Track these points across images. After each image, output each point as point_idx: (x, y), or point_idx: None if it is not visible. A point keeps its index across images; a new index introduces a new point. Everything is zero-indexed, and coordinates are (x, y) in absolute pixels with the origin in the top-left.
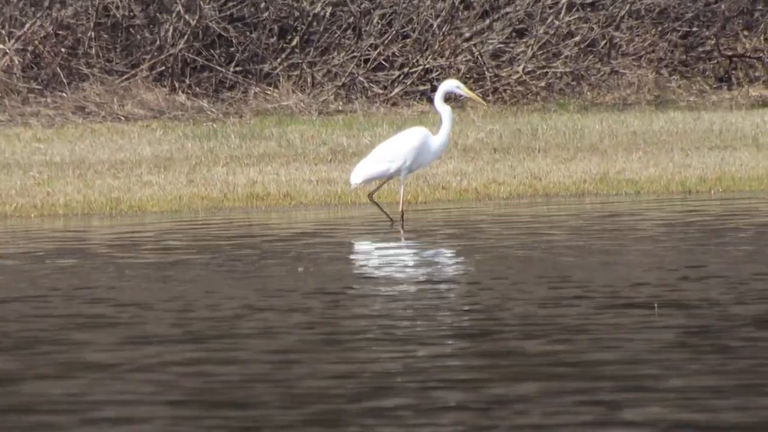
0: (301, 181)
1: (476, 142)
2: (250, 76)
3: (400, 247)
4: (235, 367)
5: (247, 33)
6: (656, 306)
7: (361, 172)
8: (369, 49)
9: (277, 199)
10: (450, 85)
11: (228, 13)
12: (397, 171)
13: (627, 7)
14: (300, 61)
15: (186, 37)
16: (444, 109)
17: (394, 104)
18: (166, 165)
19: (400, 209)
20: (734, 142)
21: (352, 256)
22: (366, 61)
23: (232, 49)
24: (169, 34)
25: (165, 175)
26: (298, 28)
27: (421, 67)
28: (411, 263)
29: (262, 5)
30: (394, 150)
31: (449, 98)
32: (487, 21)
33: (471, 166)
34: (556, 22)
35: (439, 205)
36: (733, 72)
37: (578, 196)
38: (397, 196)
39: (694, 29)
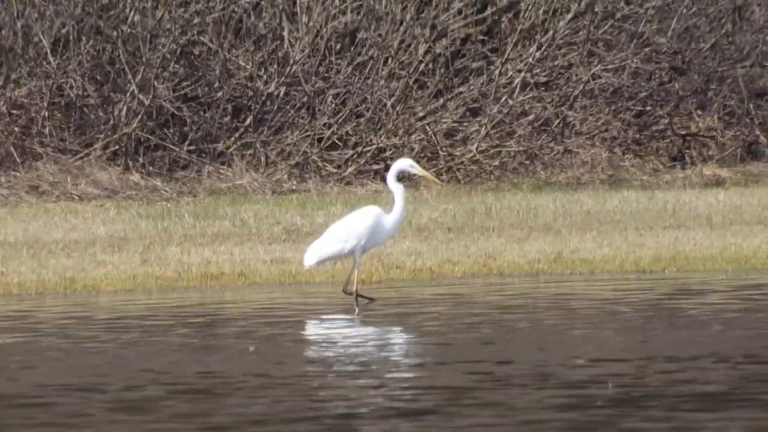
0: (255, 260)
1: (430, 221)
2: (203, 155)
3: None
4: None
5: (201, 112)
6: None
7: (315, 252)
8: (323, 128)
9: (232, 279)
10: (403, 164)
11: (182, 92)
12: (351, 250)
13: (581, 87)
14: (253, 140)
15: (140, 116)
16: (397, 188)
17: (347, 183)
18: (120, 244)
19: (354, 289)
20: (688, 221)
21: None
22: (320, 140)
23: (185, 128)
24: (123, 113)
25: (119, 254)
26: (252, 108)
27: (374, 146)
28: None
29: (216, 85)
30: (347, 229)
31: (403, 177)
32: (441, 100)
33: (425, 245)
34: (510, 102)
35: (394, 285)
36: (687, 151)
37: (533, 276)
38: (351, 276)
39: (648, 108)
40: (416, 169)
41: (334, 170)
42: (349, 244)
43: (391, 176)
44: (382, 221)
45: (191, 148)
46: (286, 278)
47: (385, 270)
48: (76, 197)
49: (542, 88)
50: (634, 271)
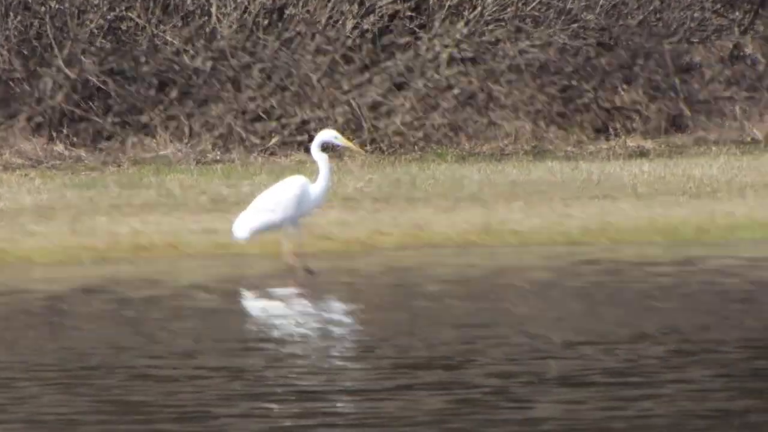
0: (184, 231)
1: (356, 191)
2: (128, 127)
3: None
4: None
5: (126, 86)
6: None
7: (246, 224)
8: (248, 101)
9: (163, 250)
10: (327, 135)
11: (108, 67)
12: (281, 221)
13: (507, 62)
14: (178, 112)
15: (65, 89)
16: (321, 158)
17: (272, 154)
18: (49, 214)
19: (289, 261)
20: (613, 192)
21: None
22: (244, 112)
23: (110, 100)
24: (48, 87)
25: (48, 224)
26: (178, 82)
27: (298, 118)
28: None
29: (143, 59)
30: (274, 199)
31: (327, 148)
32: (367, 75)
33: (353, 215)
34: (436, 76)
35: (324, 257)
36: (611, 123)
37: (463, 247)
38: (281, 247)
39: (573, 83)
40: (340, 140)
41: (258, 141)
42: (277, 214)
43: (314, 147)
44: (308, 190)
45: (116, 119)
46: (217, 249)
47: (314, 240)
48: (0, 167)
49: (469, 63)
50: (564, 243)
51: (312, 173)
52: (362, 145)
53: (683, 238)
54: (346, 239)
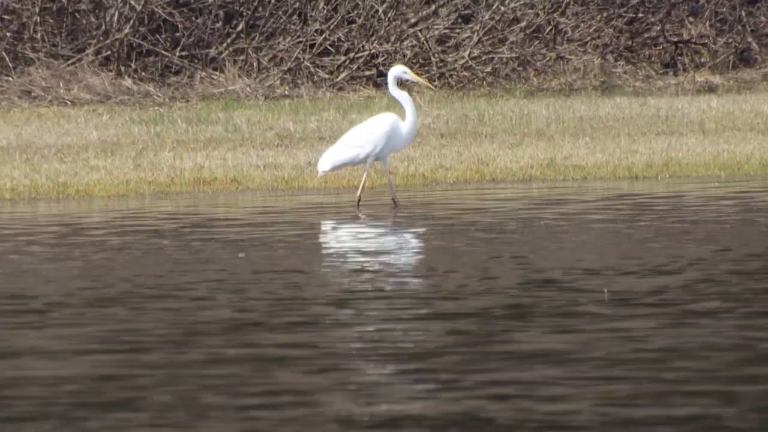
0: (248, 166)
1: (423, 127)
2: (195, 61)
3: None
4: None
5: (193, 18)
6: (606, 291)
7: (330, 158)
8: (314, 34)
9: (224, 184)
10: (397, 70)
11: None
12: (367, 156)
13: None
14: (245, 46)
15: (131, 22)
16: (401, 95)
17: (340, 89)
18: (113, 149)
19: (359, 195)
20: (680, 128)
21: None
22: (312, 46)
23: (177, 34)
24: (115, 19)
25: (111, 159)
26: (244, 13)
27: (366, 53)
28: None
29: None
30: (365, 135)
31: (399, 84)
32: (433, 7)
33: (418, 151)
34: (502, 8)
35: (384, 190)
36: (679, 58)
37: (525, 182)
38: (358, 182)
39: (640, 15)
40: (409, 75)
41: (326, 76)
42: (365, 150)
43: (391, 85)
44: (399, 127)
45: (183, 53)
46: (278, 184)
47: (378, 176)
48: (69, 102)
49: None
50: (627, 177)
51: (380, 109)
52: (431, 80)
53: (746, 173)
54: (408, 174)
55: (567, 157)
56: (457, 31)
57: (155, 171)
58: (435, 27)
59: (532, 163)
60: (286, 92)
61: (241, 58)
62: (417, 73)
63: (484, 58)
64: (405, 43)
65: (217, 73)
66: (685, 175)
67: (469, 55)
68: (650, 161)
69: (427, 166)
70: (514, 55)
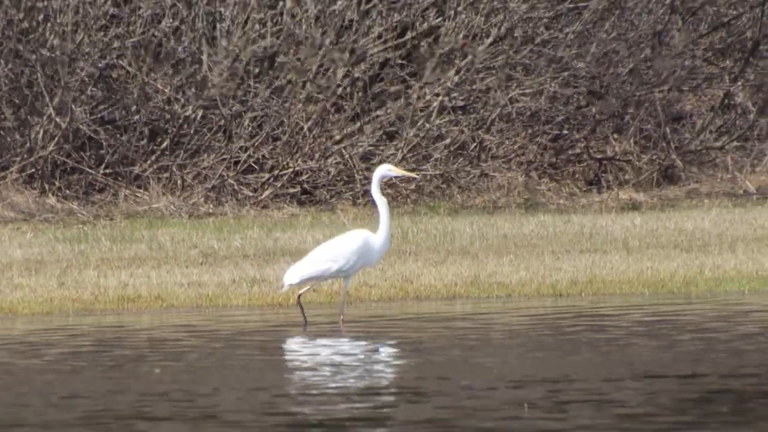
0: (172, 283)
1: None
2: (120, 179)
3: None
4: None
5: (118, 135)
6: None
7: (299, 272)
8: (239, 151)
9: (149, 302)
10: (382, 170)
11: (99, 115)
12: (338, 271)
13: (498, 111)
14: (170, 163)
15: (56, 139)
16: (381, 202)
17: (264, 207)
18: (37, 267)
19: (341, 313)
20: (604, 245)
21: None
22: (236, 163)
23: (102, 151)
24: (40, 136)
25: (36, 277)
26: (169, 131)
27: (291, 170)
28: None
29: (134, 108)
30: (335, 251)
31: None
32: (358, 124)
33: None
34: (427, 125)
35: (310, 308)
36: (603, 175)
37: (449, 299)
38: (338, 298)
39: (565, 132)
40: (394, 172)
41: (251, 194)
42: (337, 264)
43: (375, 188)
44: (371, 242)
45: (108, 171)
46: (203, 301)
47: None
48: None
49: (459, 112)
50: (551, 295)
51: (305, 227)
52: (354, 197)
53: (670, 291)
54: (332, 291)
55: (491, 275)
56: (382, 147)
57: (79, 289)
58: (359, 144)
59: (456, 281)
60: (210, 210)
61: (165, 175)
62: (340, 190)
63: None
64: (329, 160)
65: (142, 190)
66: (609, 293)
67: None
68: (574, 278)
69: (351, 284)
70: (438, 172)
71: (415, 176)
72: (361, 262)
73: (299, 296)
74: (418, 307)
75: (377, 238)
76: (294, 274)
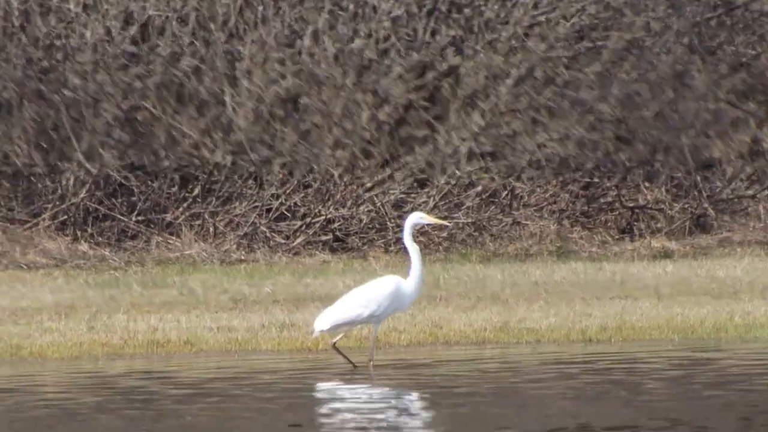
0: (201, 328)
1: None
2: (152, 226)
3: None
4: None
5: (149, 182)
6: None
7: (331, 317)
8: (271, 198)
9: (178, 346)
10: (414, 218)
11: (128, 161)
12: (370, 317)
13: (527, 157)
14: (202, 210)
15: (87, 186)
16: (413, 249)
17: (296, 254)
18: (68, 312)
19: (371, 358)
20: (635, 292)
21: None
22: (268, 210)
23: (133, 198)
24: (71, 183)
25: (66, 322)
26: (200, 178)
27: (323, 217)
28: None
29: (162, 153)
30: (367, 296)
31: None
32: (388, 171)
33: None
34: (457, 172)
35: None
36: (635, 223)
37: (479, 344)
38: (367, 343)
39: (596, 180)
40: (426, 220)
41: (283, 241)
42: (368, 309)
43: (407, 235)
44: (401, 288)
45: (140, 218)
46: (232, 346)
47: (331, 338)
48: (24, 266)
49: (489, 158)
50: (581, 341)
51: (336, 274)
52: (386, 245)
53: (700, 336)
54: (362, 336)
55: (521, 321)
56: (413, 195)
57: (109, 333)
58: (391, 191)
59: (486, 326)
60: (242, 257)
61: (198, 222)
62: (372, 238)
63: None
64: (361, 207)
65: (174, 237)
66: (639, 339)
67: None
68: (604, 324)
69: (380, 329)
70: (470, 220)
71: (447, 224)
72: (392, 308)
73: (334, 344)
74: (447, 353)
75: (408, 283)
76: (325, 320)
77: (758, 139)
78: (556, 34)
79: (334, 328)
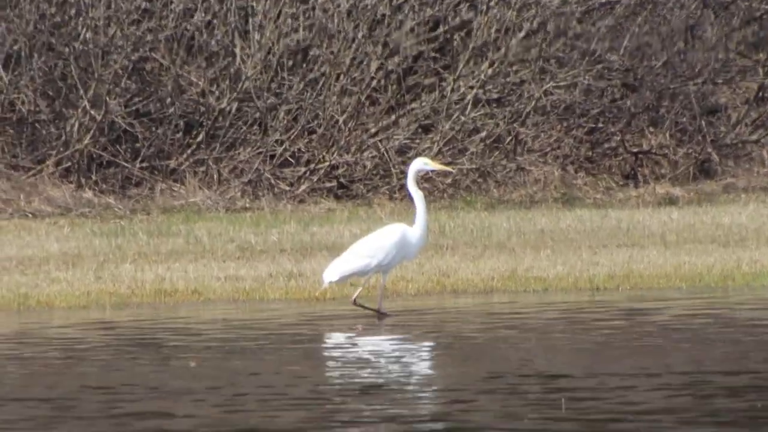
0: (209, 277)
1: None
2: (156, 172)
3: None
4: None
5: (153, 128)
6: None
7: (339, 268)
8: (275, 144)
9: (185, 295)
10: (418, 164)
11: (134, 108)
12: (378, 266)
13: (533, 103)
14: (206, 157)
15: (92, 132)
16: (417, 195)
17: (301, 201)
18: (74, 261)
19: (378, 306)
20: (641, 240)
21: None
22: (272, 157)
23: (138, 144)
24: (75, 129)
25: (73, 271)
26: (204, 124)
27: (327, 164)
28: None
29: (168, 101)
30: (374, 246)
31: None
32: (393, 117)
33: None
34: (462, 118)
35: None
36: (639, 169)
37: (486, 293)
38: (375, 292)
39: (600, 125)
40: (431, 166)
41: (287, 188)
42: (376, 259)
43: (410, 181)
44: (408, 236)
45: (144, 165)
46: (239, 295)
47: (339, 288)
48: (30, 214)
49: (494, 105)
50: (588, 289)
51: (341, 222)
52: (391, 192)
53: (707, 284)
54: (369, 285)
55: (528, 269)
56: (417, 141)
57: (116, 283)
58: (395, 137)
59: (493, 275)
60: (247, 204)
61: (202, 169)
62: (377, 185)
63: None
64: (365, 153)
65: (178, 184)
66: (647, 287)
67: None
68: (611, 273)
69: (388, 278)
70: (474, 166)
71: (452, 170)
72: (400, 256)
73: (355, 300)
74: (455, 301)
75: (414, 231)
76: (333, 271)
77: (765, 86)
78: None
79: (343, 279)
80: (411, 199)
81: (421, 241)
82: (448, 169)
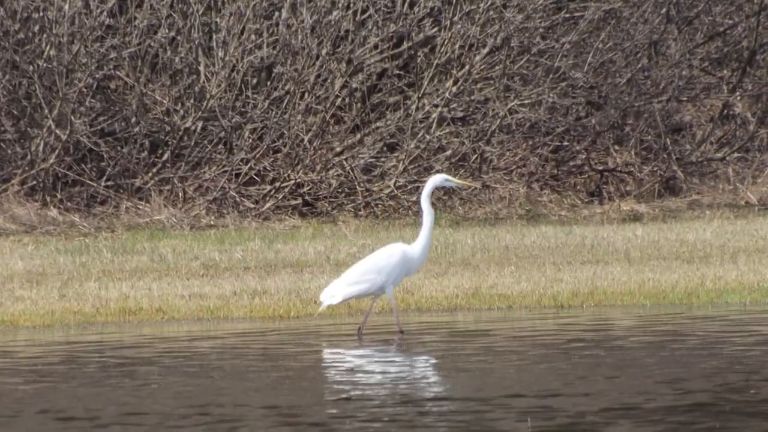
0: (173, 295)
1: (348, 256)
2: (121, 191)
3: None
4: None
5: (118, 147)
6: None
7: (342, 291)
8: (240, 163)
9: (150, 314)
10: (438, 179)
11: (99, 127)
12: (381, 288)
13: (498, 122)
14: (171, 175)
15: (57, 151)
16: (429, 212)
17: (265, 219)
18: (38, 280)
19: (399, 328)
20: (606, 257)
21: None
22: (237, 175)
23: (102, 163)
24: (40, 148)
25: (37, 289)
26: (169, 143)
27: (292, 182)
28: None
29: (133, 120)
30: (376, 267)
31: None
32: (358, 135)
33: None
34: (427, 137)
35: (311, 321)
36: (605, 186)
37: (450, 311)
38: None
39: (565, 144)
40: (453, 182)
41: (252, 205)
42: (380, 279)
43: (425, 195)
44: (408, 254)
45: (109, 183)
46: (204, 313)
47: (303, 305)
48: None
49: (459, 123)
50: (552, 306)
51: (306, 239)
52: (356, 209)
53: (671, 302)
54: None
55: (492, 286)
56: (383, 159)
57: (81, 301)
58: (360, 156)
59: (458, 293)
60: (212, 222)
61: (167, 187)
62: (342, 203)
63: (409, 187)
64: (330, 172)
65: (143, 203)
66: (610, 304)
67: (394, 184)
68: (575, 290)
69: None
70: None
71: (477, 185)
72: (402, 275)
73: (359, 330)
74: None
75: (415, 248)
76: (336, 293)
77: (730, 104)
78: (534, 4)
79: (345, 301)
80: (420, 213)
81: (422, 258)
82: (474, 184)
